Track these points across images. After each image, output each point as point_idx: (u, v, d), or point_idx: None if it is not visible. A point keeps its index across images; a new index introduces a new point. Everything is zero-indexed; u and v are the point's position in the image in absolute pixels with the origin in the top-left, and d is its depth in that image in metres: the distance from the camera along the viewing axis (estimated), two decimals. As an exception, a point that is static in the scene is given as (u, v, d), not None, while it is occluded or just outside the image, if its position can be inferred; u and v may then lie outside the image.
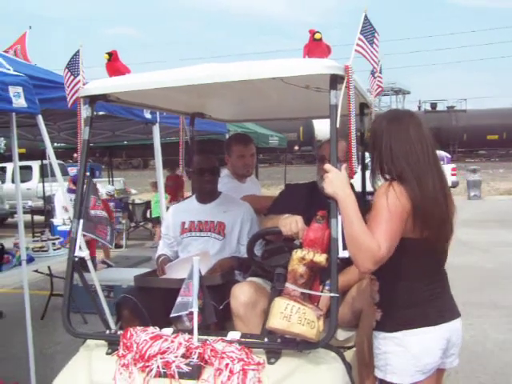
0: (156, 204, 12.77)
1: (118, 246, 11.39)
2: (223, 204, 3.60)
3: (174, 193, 12.94)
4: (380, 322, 2.45)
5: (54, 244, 6.03)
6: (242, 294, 2.90)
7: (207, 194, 3.60)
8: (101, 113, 5.70)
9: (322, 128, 36.72)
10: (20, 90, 4.22)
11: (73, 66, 2.86)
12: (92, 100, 2.79)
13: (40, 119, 4.47)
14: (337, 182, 2.29)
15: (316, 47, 2.55)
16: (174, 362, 2.21)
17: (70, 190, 11.23)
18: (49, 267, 6.77)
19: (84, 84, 2.85)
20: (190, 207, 3.66)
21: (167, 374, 2.18)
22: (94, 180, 10.94)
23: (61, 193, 11.41)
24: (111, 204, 10.96)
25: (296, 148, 35.86)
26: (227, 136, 10.07)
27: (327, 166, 2.35)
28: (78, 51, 2.89)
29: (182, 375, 2.17)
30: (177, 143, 11.15)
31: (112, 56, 2.77)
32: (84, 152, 2.77)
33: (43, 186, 12.77)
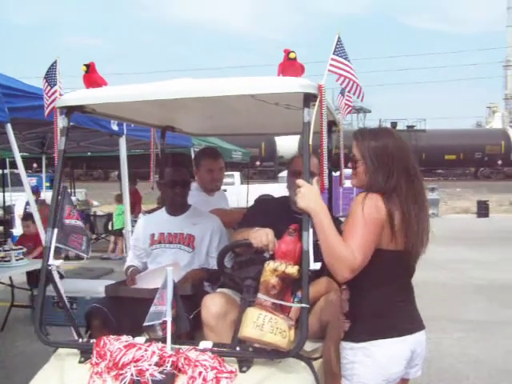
0: (118, 216, 12.68)
1: (79, 258, 11.22)
2: (193, 216, 3.65)
3: (132, 206, 12.90)
4: (348, 333, 2.54)
5: (16, 254, 5.95)
6: (213, 304, 2.95)
7: (177, 207, 3.65)
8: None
9: (283, 144, 37.30)
10: (-11, 98, 4.22)
11: (50, 76, 2.89)
12: (69, 111, 2.82)
13: (9, 128, 4.46)
14: (310, 195, 2.38)
15: (290, 66, 2.64)
16: (147, 370, 2.25)
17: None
18: (10, 278, 6.67)
19: (61, 94, 2.88)
20: (160, 219, 3.70)
21: (141, 381, 2.21)
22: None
23: (21, 203, 11.25)
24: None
25: (258, 163, 36.16)
26: (192, 150, 10.15)
27: (300, 181, 2.44)
28: (55, 62, 2.92)
29: (156, 383, 2.21)
30: (140, 156, 11.13)
31: (89, 67, 2.81)
32: (60, 162, 2.79)
33: (3, 196, 12.54)
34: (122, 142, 7.05)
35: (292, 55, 2.63)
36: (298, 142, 36.39)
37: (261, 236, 2.79)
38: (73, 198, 12.85)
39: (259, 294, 2.38)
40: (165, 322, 2.41)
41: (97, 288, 6.80)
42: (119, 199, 12.97)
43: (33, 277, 6.69)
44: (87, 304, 5.09)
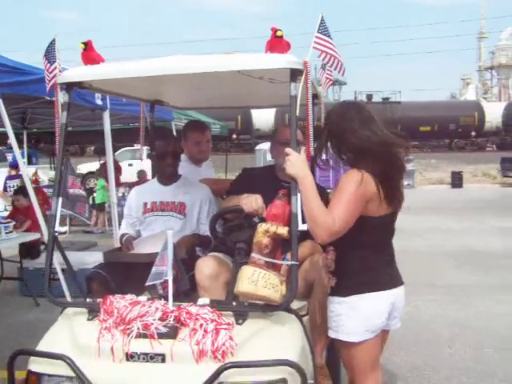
0: (99, 190, 12.79)
1: (60, 233, 11.35)
2: (183, 186, 3.84)
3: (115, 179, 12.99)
4: (335, 288, 2.78)
5: (6, 228, 6.08)
6: (206, 267, 3.17)
7: (168, 177, 3.83)
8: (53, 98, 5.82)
9: (259, 117, 37.41)
10: (-20, 74, 4.32)
11: (49, 53, 3.03)
12: (69, 86, 2.97)
13: (0, 103, 4.56)
14: (297, 163, 2.60)
15: (277, 43, 2.83)
16: (152, 324, 2.47)
17: (10, 177, 11.12)
18: (-1, 251, 6.82)
19: (60, 71, 3.03)
20: (152, 189, 3.89)
21: (147, 334, 2.43)
22: (33, 166, 10.85)
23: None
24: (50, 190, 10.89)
25: (234, 136, 36.25)
26: (172, 123, 10.27)
27: (288, 150, 2.65)
28: (53, 40, 3.06)
29: (161, 335, 2.43)
30: (119, 130, 11.20)
31: (87, 45, 2.96)
32: (62, 135, 2.95)
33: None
34: (106, 116, 7.15)
35: (279, 33, 2.81)
36: (274, 115, 36.62)
37: (251, 202, 3.02)
38: (52, 173, 12.90)
39: (253, 254, 2.61)
40: (166, 281, 2.63)
41: (84, 260, 6.97)
42: (100, 174, 13.07)
43: (23, 249, 6.85)
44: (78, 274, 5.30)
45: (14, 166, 11.41)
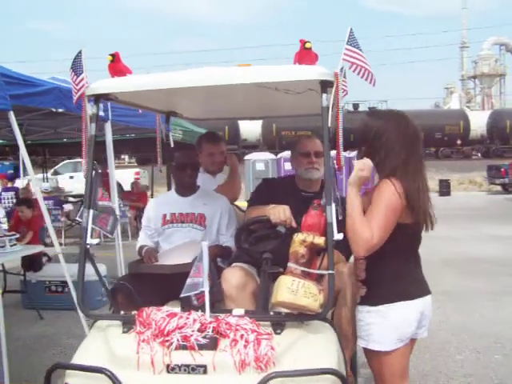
0: (94, 202, 12.71)
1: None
2: (202, 197, 3.85)
3: (108, 190, 12.95)
4: (365, 297, 2.81)
5: (10, 240, 6.02)
6: (233, 277, 3.18)
7: (187, 188, 3.84)
8: (60, 110, 5.81)
9: (246, 127, 37.56)
10: (-8, 86, 4.30)
11: (76, 65, 3.03)
12: (97, 98, 2.98)
13: (12, 115, 4.55)
14: (354, 182, 2.67)
15: (306, 55, 2.86)
16: (192, 335, 2.47)
17: (6, 189, 11.04)
18: (2, 264, 6.75)
19: (87, 83, 3.03)
20: (171, 200, 3.89)
21: (187, 346, 2.43)
22: (26, 178, 10.71)
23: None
24: (50, 202, 10.82)
25: (222, 146, 36.26)
26: (170, 134, 10.27)
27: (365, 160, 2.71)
28: (80, 52, 3.06)
29: (201, 346, 2.43)
30: (116, 141, 11.20)
31: (115, 57, 2.97)
32: (91, 147, 2.96)
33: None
34: (108, 127, 7.16)
35: (308, 45, 2.85)
36: (261, 126, 36.77)
37: (279, 212, 3.04)
38: (45, 185, 12.81)
39: (289, 263, 2.62)
40: (201, 292, 2.63)
41: (87, 272, 6.92)
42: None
43: (25, 262, 6.79)
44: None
45: (10, 178, 11.33)
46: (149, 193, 11.97)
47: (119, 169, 14.06)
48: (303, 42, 2.86)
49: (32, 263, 6.91)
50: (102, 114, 6.90)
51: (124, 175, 18.70)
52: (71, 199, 14.98)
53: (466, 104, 56.12)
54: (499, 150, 35.30)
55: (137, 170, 21.39)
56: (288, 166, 19.04)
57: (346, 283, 3.13)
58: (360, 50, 2.94)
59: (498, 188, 24.84)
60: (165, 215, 3.80)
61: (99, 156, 13.58)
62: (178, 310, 2.69)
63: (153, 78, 2.94)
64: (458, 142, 36.52)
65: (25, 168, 14.65)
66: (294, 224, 3.01)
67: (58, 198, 14.13)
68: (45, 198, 10.90)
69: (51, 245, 11.14)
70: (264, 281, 3.07)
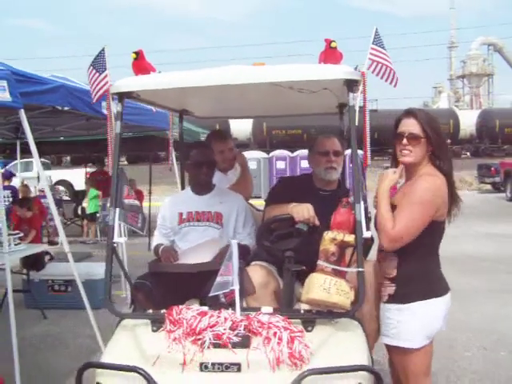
0: (92, 200, 12.66)
1: (53, 243, 11.21)
2: (219, 195, 3.84)
3: (103, 189, 12.92)
4: (394, 295, 2.83)
5: (14, 239, 5.99)
6: (255, 275, 3.18)
7: (204, 186, 3.83)
8: (66, 108, 5.77)
9: (236, 126, 37.51)
10: (5, 83, 4.26)
11: (98, 63, 3.02)
12: (121, 96, 2.97)
13: (23, 113, 4.51)
14: (385, 180, 2.78)
15: (331, 54, 2.88)
16: (224, 333, 2.47)
17: (3, 187, 10.94)
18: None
19: (110, 80, 3.02)
20: (187, 198, 3.88)
21: (221, 344, 2.44)
22: (24, 175, 10.59)
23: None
24: (45, 200, 10.72)
25: (212, 144, 36.18)
26: (167, 133, 10.23)
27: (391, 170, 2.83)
28: (102, 50, 3.05)
29: (234, 345, 2.44)
30: (100, 140, 11.20)
31: (138, 55, 2.97)
32: (117, 145, 2.95)
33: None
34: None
35: (333, 44, 2.86)
36: (252, 124, 36.74)
37: (302, 211, 3.05)
38: (41, 184, 12.71)
39: (319, 261, 2.63)
40: (231, 291, 2.64)
41: (88, 271, 6.92)
42: (91, 183, 12.95)
43: (28, 261, 6.75)
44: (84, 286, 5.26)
45: (7, 176, 11.23)
46: (146, 191, 11.92)
47: (69, 168, 13.92)
48: (329, 42, 2.87)
49: (35, 262, 6.86)
50: (105, 112, 6.89)
51: (76, 175, 18.24)
52: (66, 198, 14.90)
53: (454, 103, 56.45)
54: (488, 149, 35.52)
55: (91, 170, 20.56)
56: (280, 164, 19.03)
57: (368, 281, 3.14)
58: (384, 49, 2.97)
59: (488, 187, 25.01)
60: (181, 214, 3.80)
61: (99, 156, 13.50)
62: (206, 308, 2.69)
63: (177, 76, 2.93)
64: (448, 141, 36.56)
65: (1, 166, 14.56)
66: (317, 222, 3.03)
67: (54, 196, 14.06)
68: (42, 197, 10.88)
69: (54, 243, 11.14)
70: (288, 279, 3.08)
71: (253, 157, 22.22)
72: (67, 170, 21.72)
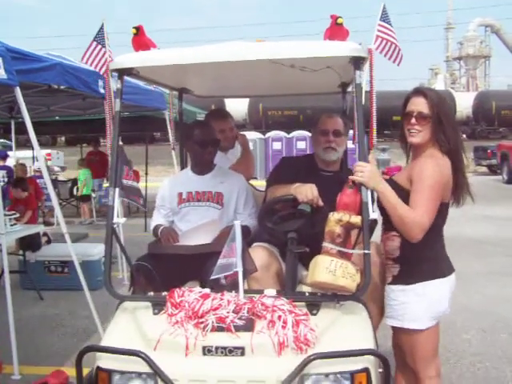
0: (84, 181, 12.56)
1: (48, 224, 11.12)
2: (219, 175, 3.77)
3: (98, 169, 12.86)
4: (398, 276, 2.78)
5: (10, 219, 5.90)
6: (257, 257, 3.10)
7: (205, 166, 3.76)
8: (62, 87, 5.66)
9: (231, 106, 37.29)
10: (0, 60, 4.16)
11: (100, 38, 2.93)
12: (121, 73, 2.88)
13: (18, 91, 4.41)
14: (375, 177, 2.60)
15: (338, 31, 2.78)
16: (227, 316, 2.42)
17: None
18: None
19: (110, 57, 2.93)
20: (186, 179, 3.80)
21: (224, 327, 2.38)
22: (19, 155, 10.46)
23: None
24: (41, 181, 10.63)
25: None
26: (166, 113, 10.10)
27: (361, 163, 2.61)
28: (102, 25, 2.95)
29: (238, 328, 2.38)
30: (96, 120, 11.08)
31: (139, 30, 2.87)
32: (116, 124, 2.86)
33: None
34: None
35: (340, 20, 2.76)
36: (248, 105, 36.50)
37: (306, 191, 2.98)
38: (37, 164, 12.61)
39: (325, 243, 2.57)
40: (234, 273, 2.58)
41: (86, 251, 6.87)
42: (83, 164, 12.85)
43: (24, 242, 6.67)
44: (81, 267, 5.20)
45: (2, 156, 11.11)
46: (142, 172, 11.82)
47: (25, 149, 13.73)
48: (335, 18, 2.77)
49: (30, 243, 6.79)
50: (103, 91, 6.76)
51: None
52: (61, 178, 14.79)
53: (450, 85, 56.24)
54: (485, 132, 35.47)
55: (48, 151, 20.17)
56: (276, 145, 18.90)
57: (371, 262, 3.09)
58: (391, 26, 2.88)
59: (485, 169, 25.00)
60: (181, 194, 3.73)
61: (95, 136, 13.35)
62: (208, 290, 2.64)
63: (179, 52, 2.84)
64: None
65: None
66: (320, 203, 2.97)
67: (50, 177, 13.96)
68: (37, 177, 10.78)
69: (50, 223, 11.05)
70: (290, 261, 3.02)
71: (249, 138, 22.03)
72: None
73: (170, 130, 7.14)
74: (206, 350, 2.36)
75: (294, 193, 3.02)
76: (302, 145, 23.74)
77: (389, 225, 2.76)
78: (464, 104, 36.65)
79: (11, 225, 5.86)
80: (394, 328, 2.90)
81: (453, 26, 65.98)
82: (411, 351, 2.85)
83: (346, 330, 2.48)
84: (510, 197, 16.02)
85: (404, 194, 2.68)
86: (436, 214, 2.66)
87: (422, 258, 2.75)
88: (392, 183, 2.77)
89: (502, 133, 34.66)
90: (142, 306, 2.69)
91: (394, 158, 27.99)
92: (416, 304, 2.74)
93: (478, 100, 36.11)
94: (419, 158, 2.79)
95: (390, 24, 2.84)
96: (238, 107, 37.17)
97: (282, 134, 24.62)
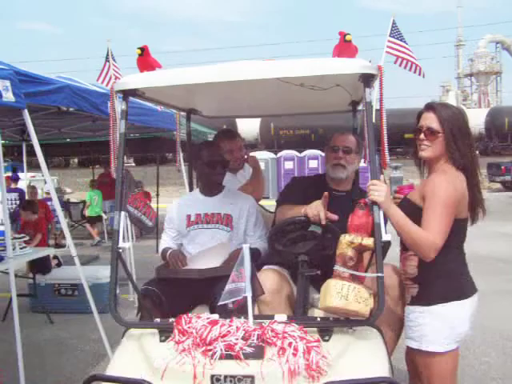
0: (92, 202, 12.57)
1: (59, 246, 11.11)
2: (228, 197, 3.71)
3: (109, 191, 12.86)
4: (417, 297, 2.70)
5: (20, 243, 5.87)
6: (268, 280, 3.03)
7: (214, 187, 3.69)
8: (71, 109, 5.65)
9: (243, 126, 37.41)
10: (8, 83, 4.15)
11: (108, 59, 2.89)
12: (125, 94, 2.84)
13: (26, 113, 4.40)
14: (387, 199, 2.53)
15: (346, 48, 2.73)
16: (236, 344, 2.33)
17: (9, 190, 10.84)
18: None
19: (117, 78, 2.89)
20: (195, 200, 3.74)
21: (233, 355, 2.29)
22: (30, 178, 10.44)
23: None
24: (52, 203, 10.64)
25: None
26: (175, 133, 10.10)
27: (376, 181, 2.54)
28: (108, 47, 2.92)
29: (247, 356, 2.30)
30: (108, 141, 11.09)
31: (144, 51, 2.83)
32: (121, 145, 2.81)
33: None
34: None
35: (348, 37, 2.72)
36: (260, 124, 36.57)
37: (316, 207, 2.90)
38: (47, 186, 12.65)
39: (336, 266, 2.49)
40: (243, 298, 2.49)
41: (97, 274, 6.81)
42: (93, 185, 12.87)
43: (34, 265, 6.63)
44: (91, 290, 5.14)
45: (14, 179, 11.14)
46: (153, 193, 11.81)
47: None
48: (343, 35, 2.73)
49: (41, 266, 6.74)
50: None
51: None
52: (73, 200, 14.82)
53: (462, 102, 56.06)
54: (498, 148, 35.23)
55: (32, 173, 20.10)
56: (288, 164, 18.81)
57: (386, 286, 3.00)
58: (404, 41, 2.82)
59: (498, 186, 24.78)
60: (189, 216, 3.66)
61: (107, 158, 13.45)
62: (217, 317, 2.56)
63: (185, 72, 2.79)
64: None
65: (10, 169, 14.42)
66: (334, 217, 2.88)
67: (60, 198, 13.99)
68: (47, 200, 10.79)
69: (61, 245, 11.02)
70: (302, 284, 2.93)
71: (261, 157, 22.00)
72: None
73: (177, 151, 7.03)
74: (215, 379, 2.28)
75: (305, 213, 2.94)
76: (314, 164, 23.71)
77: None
78: (476, 121, 36.44)
79: (21, 248, 5.81)
80: (409, 349, 2.80)
81: (463, 43, 65.92)
82: (429, 374, 2.74)
83: (360, 356, 2.39)
84: (524, 214, 15.77)
85: (417, 212, 2.62)
86: (454, 231, 2.59)
87: (440, 277, 2.67)
88: (406, 201, 2.72)
89: (515, 149, 34.41)
90: (149, 333, 2.61)
91: (406, 175, 27.91)
92: (435, 326, 2.65)
93: (491, 116, 35.94)
94: (432, 174, 2.73)
95: (402, 40, 2.78)
96: (249, 127, 37.26)
97: (293, 153, 24.59)
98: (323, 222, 2.88)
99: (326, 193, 2.95)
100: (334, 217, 2.88)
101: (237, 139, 4.44)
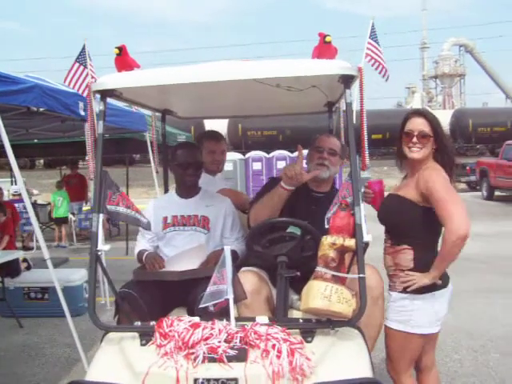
0: (64, 203, 12.36)
1: (28, 248, 10.90)
2: (205, 198, 3.68)
3: (77, 192, 12.72)
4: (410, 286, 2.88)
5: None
6: (248, 282, 3.01)
7: (190, 188, 3.66)
8: (41, 109, 5.54)
9: (211, 127, 37.17)
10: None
11: (82, 58, 2.84)
12: (103, 94, 2.79)
13: (-4, 115, 4.30)
14: (425, 275, 2.86)
15: (326, 49, 2.73)
16: (219, 346, 2.31)
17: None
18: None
19: (93, 78, 2.84)
20: (171, 202, 3.70)
21: (216, 358, 2.27)
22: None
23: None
24: (20, 205, 10.42)
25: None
26: (147, 135, 9.98)
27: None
28: (84, 46, 2.87)
29: (230, 358, 2.28)
30: (76, 142, 10.90)
31: (122, 50, 2.79)
32: (99, 146, 2.76)
33: None
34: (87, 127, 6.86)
35: (328, 39, 2.72)
36: (227, 126, 36.48)
37: (293, 166, 3.09)
38: (15, 187, 12.39)
39: (318, 267, 2.49)
40: (225, 300, 2.48)
41: (68, 277, 6.70)
42: (59, 186, 12.67)
43: (2, 268, 6.48)
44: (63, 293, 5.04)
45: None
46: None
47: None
48: (323, 36, 2.73)
49: (9, 269, 6.59)
50: (83, 113, 6.64)
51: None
52: (40, 202, 14.55)
53: (427, 103, 56.92)
54: (462, 149, 35.81)
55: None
56: (256, 166, 18.66)
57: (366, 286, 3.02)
58: (378, 44, 2.85)
59: (463, 186, 25.20)
60: (165, 218, 3.62)
61: (73, 159, 13.22)
62: (198, 319, 2.53)
63: (164, 72, 2.75)
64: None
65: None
66: (314, 174, 3.17)
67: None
68: (15, 201, 10.57)
69: (29, 248, 10.79)
70: (281, 285, 2.92)
71: (229, 158, 21.90)
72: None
73: (150, 153, 7.01)
74: (198, 383, 2.25)
75: (282, 174, 3.11)
76: (282, 164, 23.59)
77: (399, 239, 2.92)
78: (441, 122, 37.00)
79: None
80: (387, 328, 3.02)
81: (428, 46, 66.94)
82: (400, 353, 3.00)
83: (343, 357, 2.40)
84: (490, 213, 16.08)
85: (415, 208, 2.86)
86: (437, 221, 2.79)
87: (429, 268, 2.88)
88: (400, 199, 2.95)
89: (479, 150, 35.08)
90: (129, 337, 2.57)
91: (374, 176, 28.28)
92: (422, 311, 2.90)
93: (455, 118, 36.54)
94: (422, 171, 2.91)
95: (377, 42, 2.81)
96: (217, 127, 36.71)
97: (262, 154, 24.57)
98: (303, 178, 3.04)
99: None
100: (314, 173, 3.07)
101: (221, 142, 4.42)
